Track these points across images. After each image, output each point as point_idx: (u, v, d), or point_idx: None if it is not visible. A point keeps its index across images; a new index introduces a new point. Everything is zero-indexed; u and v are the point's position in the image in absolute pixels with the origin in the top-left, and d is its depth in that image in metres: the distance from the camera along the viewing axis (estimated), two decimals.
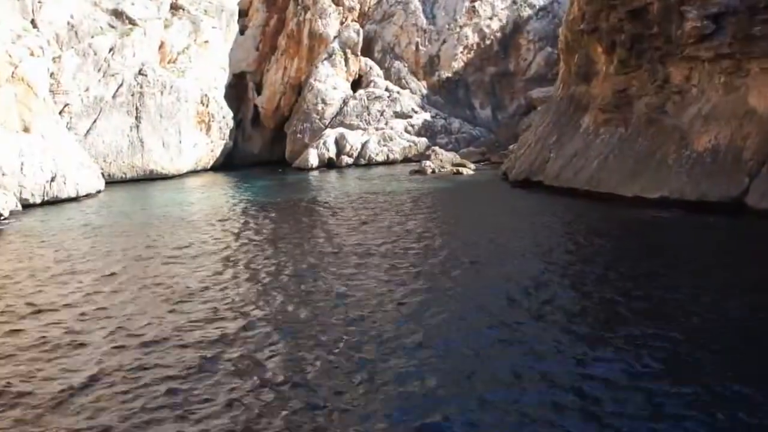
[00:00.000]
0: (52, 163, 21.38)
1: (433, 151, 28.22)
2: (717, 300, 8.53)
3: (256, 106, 33.98)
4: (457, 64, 33.71)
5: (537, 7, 34.38)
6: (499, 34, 33.96)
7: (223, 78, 32.28)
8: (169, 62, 30.04)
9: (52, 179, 21.07)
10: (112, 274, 11.36)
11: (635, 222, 14.16)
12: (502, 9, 34.24)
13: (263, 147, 34.45)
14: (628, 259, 10.97)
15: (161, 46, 29.78)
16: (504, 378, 6.54)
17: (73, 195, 21.60)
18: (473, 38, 33.82)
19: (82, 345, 7.89)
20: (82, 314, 9.10)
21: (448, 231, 14.11)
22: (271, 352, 7.48)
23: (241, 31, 33.90)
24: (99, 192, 23.47)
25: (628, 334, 7.44)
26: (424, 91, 33.51)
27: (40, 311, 9.32)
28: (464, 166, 26.00)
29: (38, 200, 20.51)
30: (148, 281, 10.77)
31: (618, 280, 9.67)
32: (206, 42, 31.34)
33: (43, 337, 8.22)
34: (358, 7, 34.49)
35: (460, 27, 33.86)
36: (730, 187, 14.16)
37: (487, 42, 33.87)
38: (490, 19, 34.08)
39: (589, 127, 18.95)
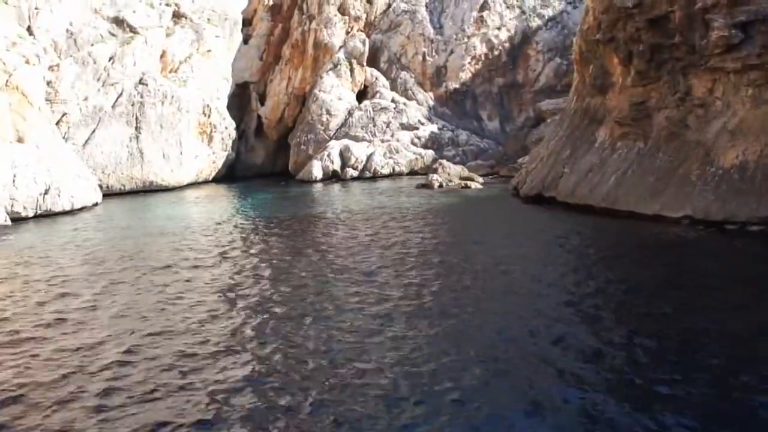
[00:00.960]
0: (47, 175, 20.64)
1: (440, 164, 27.38)
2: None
3: (259, 117, 33.29)
4: (465, 75, 33.01)
5: (546, 17, 33.73)
6: (507, 45, 33.27)
7: (225, 88, 31.63)
8: (170, 71, 29.37)
9: (46, 191, 20.31)
10: (94, 299, 10.55)
11: (659, 243, 13.23)
12: (510, 19, 33.57)
13: (266, 158, 33.75)
14: (654, 288, 10.09)
15: (163, 54, 29.12)
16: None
17: (67, 208, 20.83)
18: (481, 49, 33.12)
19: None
20: (50, 341, 8.29)
21: (458, 253, 13.21)
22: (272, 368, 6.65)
23: (245, 41, 33.25)
24: (95, 204, 22.71)
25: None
26: (431, 103, 32.75)
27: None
28: (472, 179, 25.18)
29: (30, 213, 19.75)
30: (132, 310, 9.94)
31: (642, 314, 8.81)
32: (209, 51, 30.70)
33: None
34: (364, 16, 33.82)
35: (468, 37, 33.17)
36: (760, 207, 13.29)
37: (495, 53, 33.18)
38: (499, 29, 33.40)
39: (605, 141, 18.13)
